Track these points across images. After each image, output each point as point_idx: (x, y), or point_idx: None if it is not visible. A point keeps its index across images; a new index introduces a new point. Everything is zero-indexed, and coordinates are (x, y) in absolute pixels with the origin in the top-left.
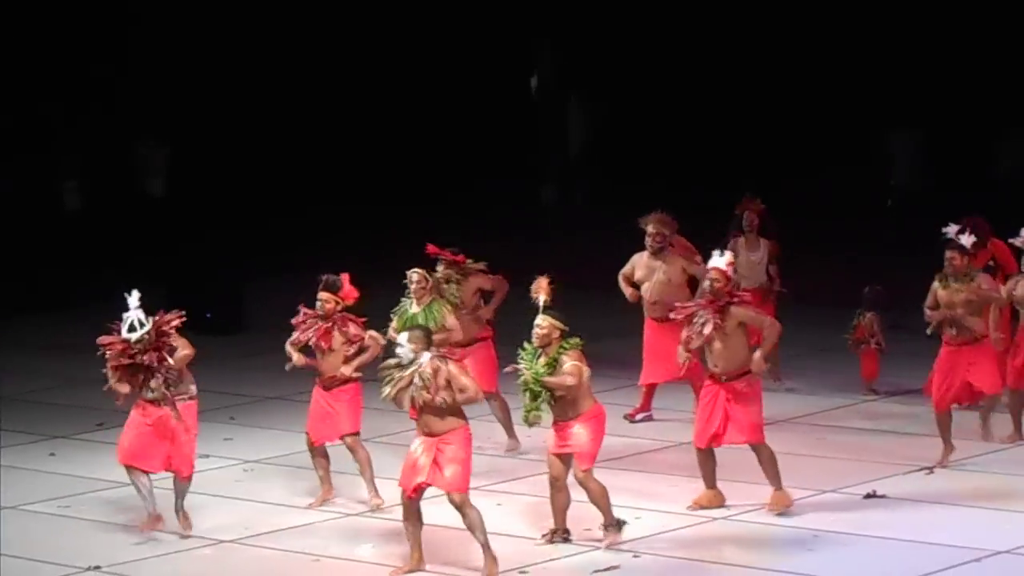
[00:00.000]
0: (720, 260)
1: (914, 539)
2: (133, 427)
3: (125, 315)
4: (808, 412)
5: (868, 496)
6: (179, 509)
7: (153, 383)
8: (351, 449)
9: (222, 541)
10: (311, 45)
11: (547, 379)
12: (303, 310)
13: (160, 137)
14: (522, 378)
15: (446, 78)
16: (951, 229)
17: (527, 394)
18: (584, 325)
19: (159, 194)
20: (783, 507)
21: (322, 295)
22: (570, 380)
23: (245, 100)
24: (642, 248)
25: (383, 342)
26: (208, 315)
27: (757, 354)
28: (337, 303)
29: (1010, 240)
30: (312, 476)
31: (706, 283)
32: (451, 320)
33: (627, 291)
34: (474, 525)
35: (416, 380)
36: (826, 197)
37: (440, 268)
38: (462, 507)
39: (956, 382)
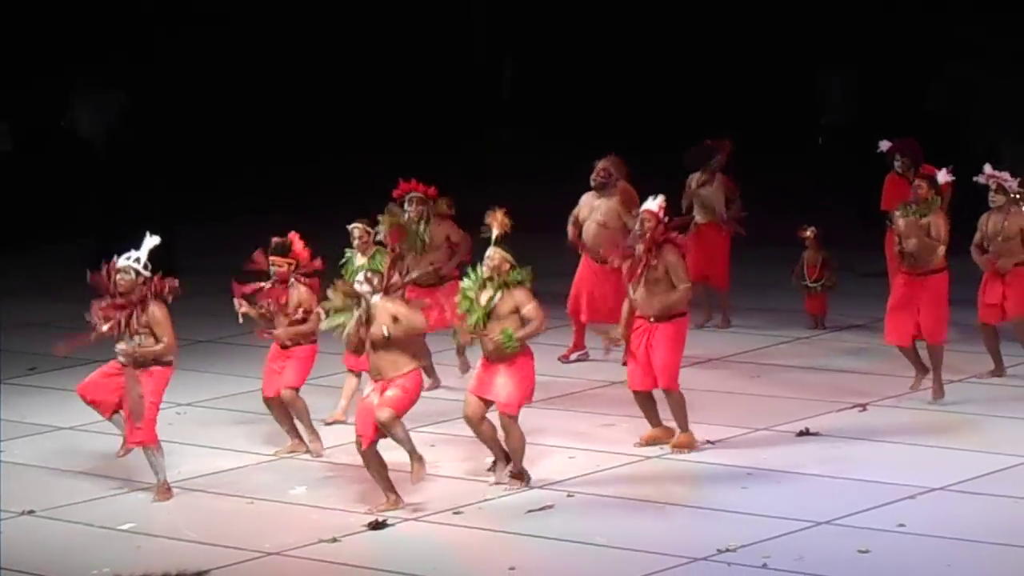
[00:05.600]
0: (652, 203)
1: (848, 476)
2: (103, 368)
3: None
4: (743, 349)
5: (801, 433)
6: (158, 483)
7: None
8: (288, 402)
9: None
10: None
11: (520, 334)
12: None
13: (107, 81)
14: (496, 342)
15: (380, 30)
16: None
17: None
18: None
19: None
20: (686, 448)
21: (273, 259)
22: (539, 326)
23: (198, 50)
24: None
25: (323, 318)
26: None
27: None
28: (290, 264)
29: (974, 178)
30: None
31: (637, 224)
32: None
33: (570, 231)
34: (401, 439)
35: (360, 315)
36: (757, 135)
37: (411, 206)
38: (389, 424)
39: (911, 317)
